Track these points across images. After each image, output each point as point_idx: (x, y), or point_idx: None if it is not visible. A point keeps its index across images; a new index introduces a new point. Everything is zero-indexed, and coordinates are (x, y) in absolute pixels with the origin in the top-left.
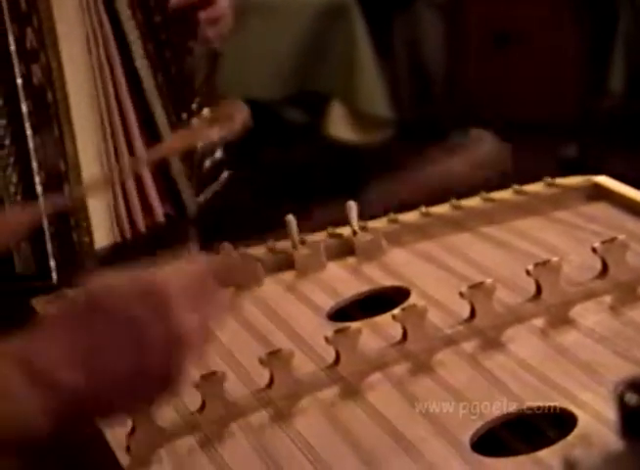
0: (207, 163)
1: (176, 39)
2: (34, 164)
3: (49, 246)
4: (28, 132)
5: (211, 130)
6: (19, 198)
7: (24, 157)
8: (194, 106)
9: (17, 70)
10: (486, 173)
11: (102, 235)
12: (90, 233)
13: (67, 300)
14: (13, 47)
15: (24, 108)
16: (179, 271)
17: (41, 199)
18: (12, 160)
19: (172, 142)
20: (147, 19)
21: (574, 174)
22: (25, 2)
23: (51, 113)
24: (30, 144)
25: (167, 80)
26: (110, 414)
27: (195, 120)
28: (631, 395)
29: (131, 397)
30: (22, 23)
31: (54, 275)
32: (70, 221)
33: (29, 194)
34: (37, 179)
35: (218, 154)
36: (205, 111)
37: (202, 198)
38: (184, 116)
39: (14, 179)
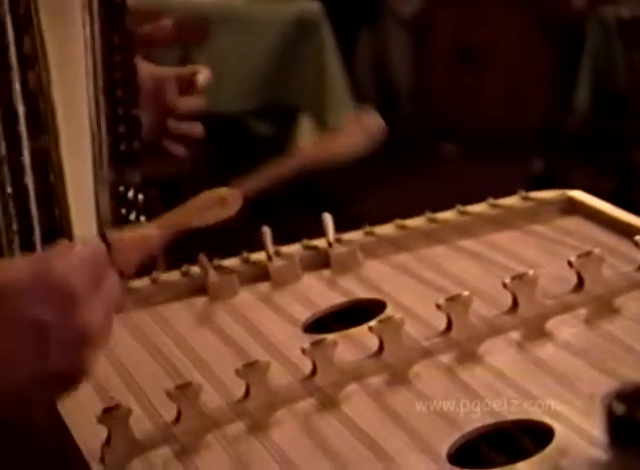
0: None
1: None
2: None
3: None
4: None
5: (345, 142)
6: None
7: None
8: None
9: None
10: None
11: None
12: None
13: None
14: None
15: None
16: (74, 257)
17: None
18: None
19: (309, 151)
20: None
21: (541, 190)
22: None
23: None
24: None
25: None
26: (21, 413)
27: (329, 132)
28: (618, 404)
29: (40, 396)
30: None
31: None
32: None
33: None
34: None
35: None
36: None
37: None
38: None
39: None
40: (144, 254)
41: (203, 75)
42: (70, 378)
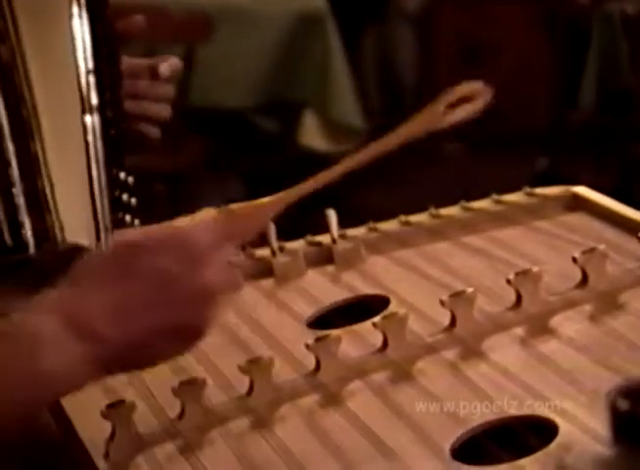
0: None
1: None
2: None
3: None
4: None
5: (452, 113)
6: None
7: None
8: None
9: None
10: None
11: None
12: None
13: (96, 254)
14: None
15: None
16: (201, 224)
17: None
18: None
19: (413, 126)
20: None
21: (545, 186)
22: None
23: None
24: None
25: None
26: (145, 364)
27: (433, 104)
28: (622, 400)
29: (164, 348)
30: None
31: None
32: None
33: None
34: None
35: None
36: (445, 94)
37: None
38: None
39: None
40: (261, 224)
41: (166, 65)
42: (193, 333)
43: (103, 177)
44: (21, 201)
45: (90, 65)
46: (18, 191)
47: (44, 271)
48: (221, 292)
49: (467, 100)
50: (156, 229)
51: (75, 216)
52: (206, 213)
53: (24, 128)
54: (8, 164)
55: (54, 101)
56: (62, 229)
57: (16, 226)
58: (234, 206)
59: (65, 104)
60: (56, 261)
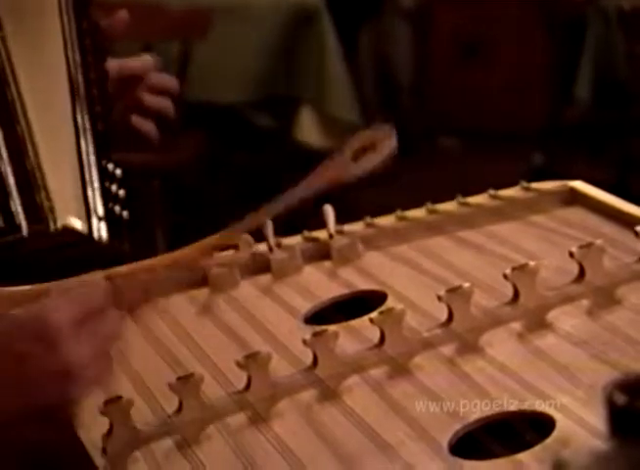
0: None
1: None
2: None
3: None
4: None
5: (356, 164)
6: None
7: None
8: None
9: None
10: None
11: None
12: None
13: None
14: None
15: None
16: (73, 296)
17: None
18: None
19: (320, 176)
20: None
21: (542, 181)
22: None
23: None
24: None
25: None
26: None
27: (337, 153)
28: (619, 395)
29: (26, 428)
30: None
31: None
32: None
33: None
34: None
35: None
36: (350, 141)
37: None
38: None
39: None
40: (146, 290)
41: (136, 61)
42: (53, 411)
43: (93, 165)
44: (10, 181)
45: (77, 57)
46: (6, 172)
47: (37, 253)
48: (82, 368)
49: (372, 148)
50: (22, 309)
51: (66, 198)
52: (92, 277)
53: (9, 111)
54: None
55: (39, 85)
56: (52, 210)
57: (7, 208)
58: (122, 268)
59: (50, 88)
60: (49, 244)
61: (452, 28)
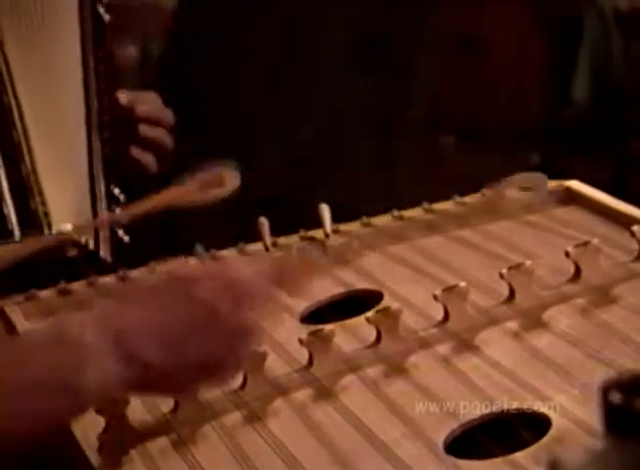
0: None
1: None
2: None
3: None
4: None
5: (201, 193)
6: None
7: None
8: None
9: None
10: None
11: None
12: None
13: (152, 277)
14: None
15: None
16: (256, 266)
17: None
18: None
19: (159, 198)
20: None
21: None
22: None
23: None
24: None
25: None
26: (169, 393)
27: (186, 181)
28: (615, 393)
29: (192, 380)
30: None
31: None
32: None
33: None
34: None
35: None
36: (198, 174)
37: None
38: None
39: None
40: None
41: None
42: (224, 370)
43: (102, 189)
44: (4, 186)
45: (93, 82)
46: (0, 176)
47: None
48: (257, 330)
49: (219, 183)
50: (212, 264)
51: (61, 203)
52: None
53: (6, 117)
54: None
55: (37, 92)
56: (47, 215)
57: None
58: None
59: (48, 93)
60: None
61: (448, 26)
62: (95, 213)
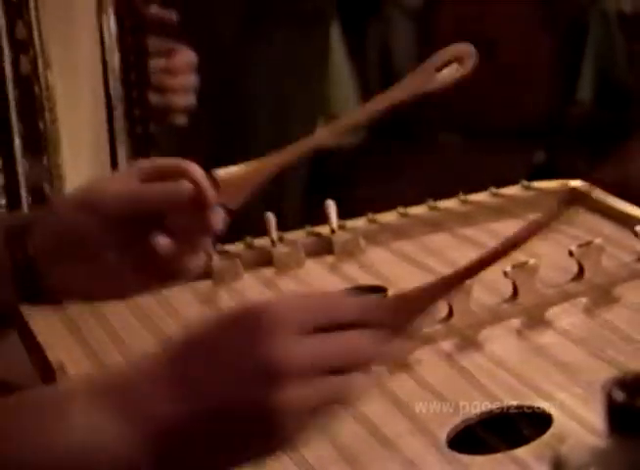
0: None
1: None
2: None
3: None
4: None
5: (442, 73)
6: None
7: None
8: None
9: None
10: None
11: None
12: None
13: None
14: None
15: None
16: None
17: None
18: None
19: (405, 87)
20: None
21: (543, 180)
22: None
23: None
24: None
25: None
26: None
27: (422, 65)
28: (618, 392)
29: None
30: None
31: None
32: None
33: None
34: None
35: None
36: (435, 54)
37: None
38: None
39: None
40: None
41: (181, 56)
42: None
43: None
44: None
45: (115, 57)
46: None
47: None
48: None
49: (456, 61)
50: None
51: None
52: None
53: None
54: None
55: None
56: None
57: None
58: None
59: (80, 86)
60: None
61: (454, 25)
62: None
